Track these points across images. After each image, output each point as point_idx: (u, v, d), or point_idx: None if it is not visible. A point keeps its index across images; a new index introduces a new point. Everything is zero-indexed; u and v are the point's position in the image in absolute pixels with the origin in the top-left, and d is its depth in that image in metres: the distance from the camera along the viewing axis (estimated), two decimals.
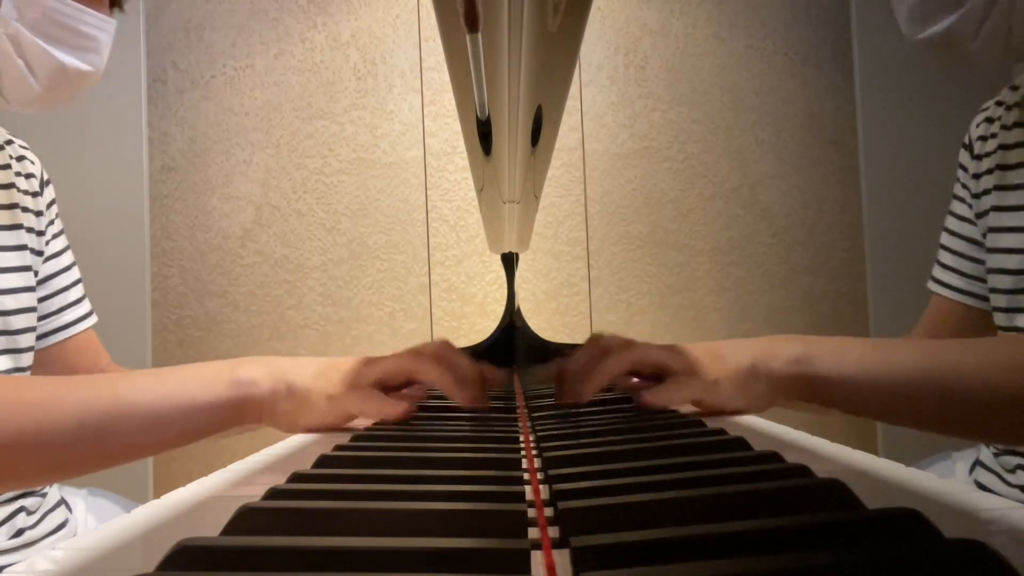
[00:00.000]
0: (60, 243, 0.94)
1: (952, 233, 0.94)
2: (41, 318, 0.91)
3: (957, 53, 0.76)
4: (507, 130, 0.55)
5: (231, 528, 0.29)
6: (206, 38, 1.73)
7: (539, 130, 0.55)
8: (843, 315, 1.68)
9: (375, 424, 0.60)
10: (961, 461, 0.95)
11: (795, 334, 0.62)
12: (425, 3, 1.71)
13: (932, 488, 0.36)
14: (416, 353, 0.61)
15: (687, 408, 0.63)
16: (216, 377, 0.57)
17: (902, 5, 0.77)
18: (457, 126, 1.56)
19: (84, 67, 0.80)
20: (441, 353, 0.61)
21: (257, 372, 0.59)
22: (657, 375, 0.61)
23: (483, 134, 0.56)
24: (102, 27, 0.80)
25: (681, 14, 1.71)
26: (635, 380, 0.64)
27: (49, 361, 0.92)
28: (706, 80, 1.71)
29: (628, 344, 0.62)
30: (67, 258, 0.95)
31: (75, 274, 0.96)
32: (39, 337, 0.91)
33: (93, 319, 0.97)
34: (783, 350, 0.58)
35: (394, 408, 0.59)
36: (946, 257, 0.94)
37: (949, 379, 0.51)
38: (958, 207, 0.93)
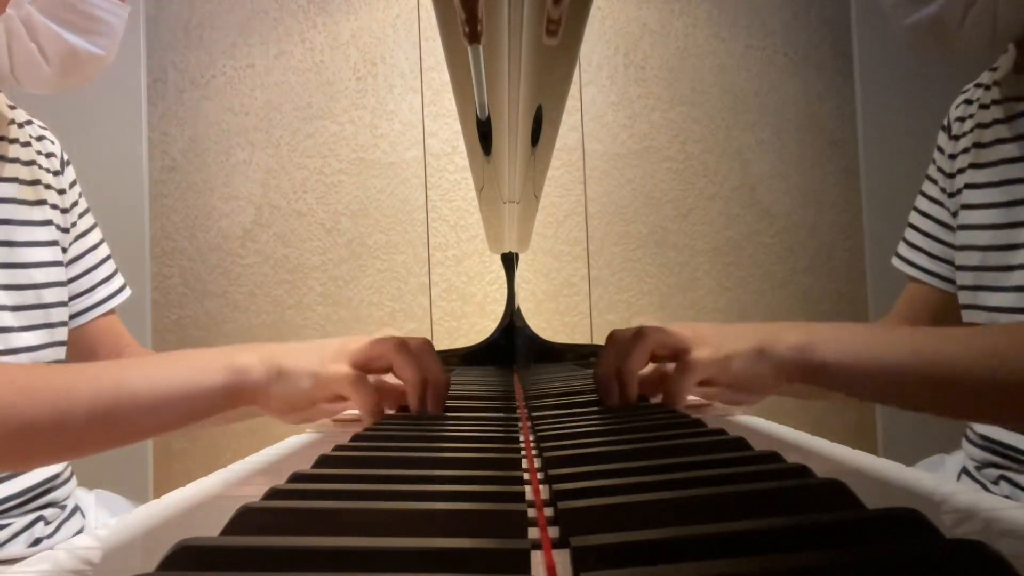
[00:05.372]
0: (87, 221, 0.95)
1: (922, 214, 0.95)
2: (74, 297, 0.91)
3: (944, 38, 0.77)
4: (507, 130, 0.55)
5: (231, 528, 0.29)
6: (206, 38, 1.73)
7: (539, 130, 0.55)
8: (843, 315, 1.68)
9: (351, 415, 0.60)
10: (952, 463, 0.95)
11: (798, 321, 0.65)
12: (425, 3, 1.71)
13: (932, 488, 0.36)
14: (401, 346, 0.63)
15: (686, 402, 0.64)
16: (212, 364, 0.60)
17: None
18: (457, 126, 1.56)
19: (95, 51, 0.80)
20: (421, 356, 0.64)
21: (251, 359, 0.61)
22: (675, 357, 0.63)
23: (483, 134, 0.56)
24: (114, 12, 0.80)
25: (681, 14, 1.71)
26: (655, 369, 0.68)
27: (73, 341, 0.92)
28: (706, 80, 1.71)
29: (640, 336, 0.63)
30: (95, 236, 0.96)
31: (104, 251, 0.97)
32: (74, 316, 0.91)
33: (127, 293, 0.98)
34: (786, 337, 0.60)
35: (371, 405, 0.62)
36: (914, 236, 0.96)
37: (936, 365, 0.54)
38: (930, 188, 0.94)
